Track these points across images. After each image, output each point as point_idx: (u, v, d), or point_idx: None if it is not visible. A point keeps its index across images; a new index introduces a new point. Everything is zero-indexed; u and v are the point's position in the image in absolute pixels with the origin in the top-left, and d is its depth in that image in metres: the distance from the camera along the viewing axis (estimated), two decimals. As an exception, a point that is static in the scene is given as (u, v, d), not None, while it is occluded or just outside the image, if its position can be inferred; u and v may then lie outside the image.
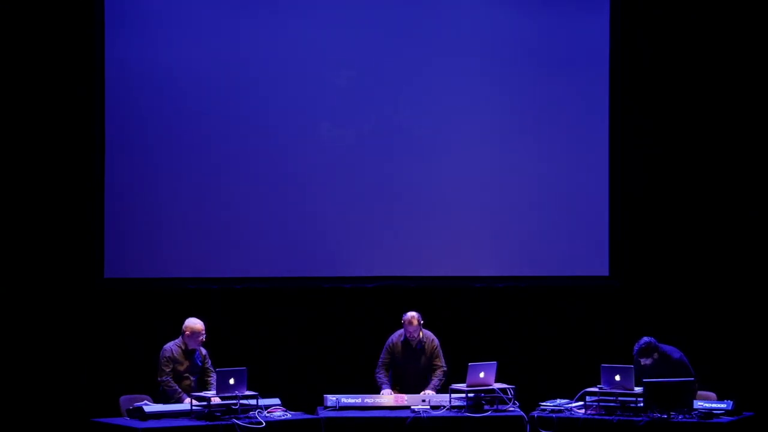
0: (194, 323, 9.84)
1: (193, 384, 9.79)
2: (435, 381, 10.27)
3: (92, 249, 11.23)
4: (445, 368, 10.34)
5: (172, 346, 9.81)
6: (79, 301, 11.23)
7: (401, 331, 10.43)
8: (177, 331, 9.98)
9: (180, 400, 9.54)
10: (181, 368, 9.77)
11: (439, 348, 10.41)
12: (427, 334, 10.43)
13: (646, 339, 9.93)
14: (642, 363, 9.87)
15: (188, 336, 9.81)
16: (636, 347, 9.93)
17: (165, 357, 9.75)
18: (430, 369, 10.36)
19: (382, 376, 10.35)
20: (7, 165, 11.14)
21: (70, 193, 11.22)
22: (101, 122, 11.25)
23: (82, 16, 11.22)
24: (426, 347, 10.38)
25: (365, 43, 11.57)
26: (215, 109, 11.40)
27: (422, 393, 10.04)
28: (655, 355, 9.85)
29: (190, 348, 9.83)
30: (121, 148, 11.29)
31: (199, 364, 9.87)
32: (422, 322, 10.37)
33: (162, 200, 11.34)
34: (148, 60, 11.32)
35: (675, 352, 9.91)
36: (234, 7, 11.44)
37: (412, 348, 10.38)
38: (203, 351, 9.94)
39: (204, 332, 9.83)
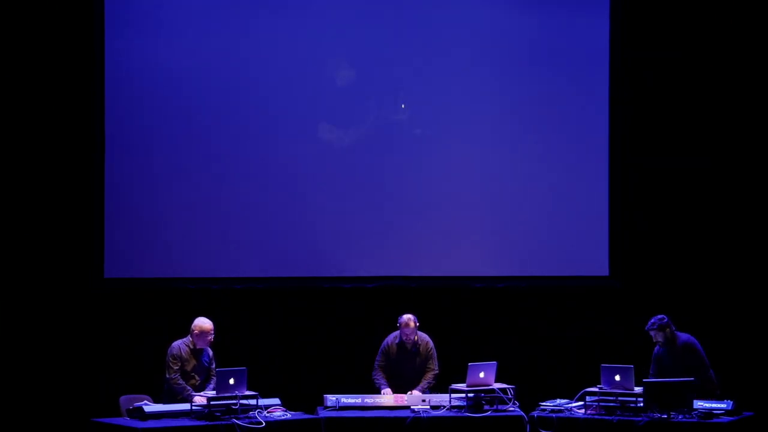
0: (203, 323, 9.82)
1: (198, 384, 9.77)
2: (424, 383, 10.28)
3: (92, 249, 11.24)
4: (437, 371, 10.35)
5: (180, 345, 9.79)
6: (79, 301, 11.23)
7: (396, 333, 10.43)
8: (177, 330, 9.98)
9: (189, 398, 9.48)
10: (188, 367, 9.76)
11: (433, 350, 10.41)
12: (422, 337, 10.42)
13: (657, 315, 10.04)
14: (654, 339, 9.96)
15: (196, 335, 9.79)
16: (648, 324, 9.99)
17: (172, 354, 9.73)
18: (424, 370, 10.36)
19: (379, 377, 10.35)
20: (7, 165, 11.15)
21: (70, 193, 11.23)
22: (101, 122, 11.25)
23: (82, 16, 11.23)
24: (421, 349, 10.38)
25: (365, 43, 11.57)
26: (215, 110, 11.40)
27: (409, 393, 10.07)
28: (668, 331, 9.94)
29: (197, 347, 9.80)
30: (121, 148, 11.29)
31: (206, 365, 9.85)
32: (418, 324, 10.37)
33: (162, 200, 11.34)
34: (148, 60, 11.33)
35: (683, 335, 10.03)
36: (233, 7, 11.44)
37: (408, 350, 10.38)
38: (210, 353, 9.92)
39: (212, 332, 9.80)
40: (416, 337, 10.37)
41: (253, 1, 11.48)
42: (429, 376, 10.32)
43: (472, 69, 11.63)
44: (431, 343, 10.42)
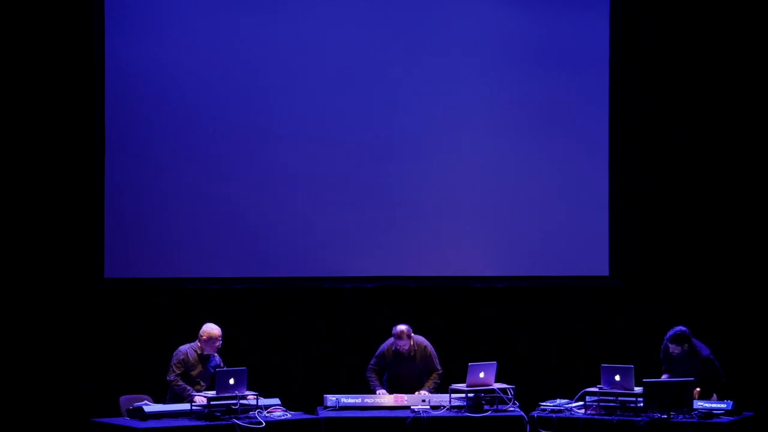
0: (211, 329, 9.79)
1: (203, 390, 9.69)
2: (430, 384, 10.24)
3: (92, 249, 11.24)
4: (440, 371, 10.31)
5: (188, 349, 9.77)
6: (79, 301, 11.23)
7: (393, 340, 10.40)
8: (177, 331, 9.99)
9: (190, 398, 9.46)
10: (194, 373, 9.72)
11: (432, 351, 10.35)
12: (418, 341, 10.36)
13: (680, 327, 9.96)
14: (671, 350, 9.90)
15: (204, 341, 9.76)
16: (669, 333, 9.95)
17: (178, 358, 9.71)
18: (425, 373, 10.32)
19: (373, 378, 10.31)
20: (7, 165, 11.15)
21: (70, 193, 11.23)
22: (101, 122, 11.26)
23: (82, 16, 11.23)
24: (418, 354, 10.32)
25: (364, 43, 11.57)
26: (215, 110, 11.41)
27: (416, 393, 10.06)
28: (686, 346, 9.87)
29: (205, 353, 9.78)
30: (121, 148, 11.29)
31: (212, 372, 9.78)
32: (412, 332, 10.31)
33: (162, 200, 11.34)
34: (148, 60, 11.33)
35: (705, 349, 9.95)
36: (233, 7, 11.44)
37: (405, 357, 10.33)
38: (219, 360, 9.88)
39: (220, 338, 9.77)
40: (412, 343, 10.32)
41: (252, 1, 11.48)
42: (434, 377, 10.29)
43: (472, 69, 11.62)
44: (429, 346, 10.36)
